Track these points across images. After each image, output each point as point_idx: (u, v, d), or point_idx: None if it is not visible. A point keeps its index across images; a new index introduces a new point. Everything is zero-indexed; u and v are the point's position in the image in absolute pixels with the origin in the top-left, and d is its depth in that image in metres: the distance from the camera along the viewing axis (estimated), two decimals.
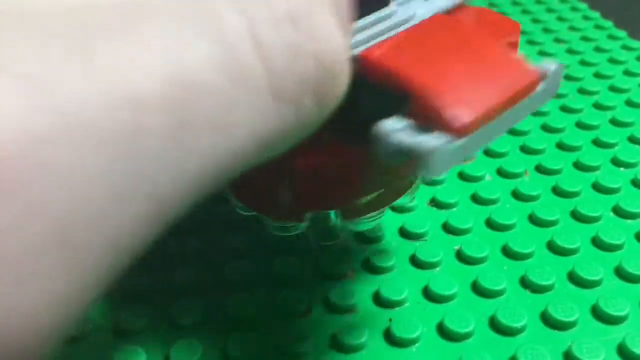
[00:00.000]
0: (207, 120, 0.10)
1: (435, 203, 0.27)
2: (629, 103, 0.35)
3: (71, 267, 0.08)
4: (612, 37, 0.43)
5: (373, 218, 0.21)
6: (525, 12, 0.47)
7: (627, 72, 0.38)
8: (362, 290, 0.23)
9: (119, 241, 0.09)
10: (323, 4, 0.12)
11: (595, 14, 0.47)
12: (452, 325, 0.21)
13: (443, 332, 0.21)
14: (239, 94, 0.10)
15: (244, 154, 0.11)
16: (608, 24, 0.45)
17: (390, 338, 0.21)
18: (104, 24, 0.09)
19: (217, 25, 0.10)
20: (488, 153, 0.31)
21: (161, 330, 0.21)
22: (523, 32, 0.44)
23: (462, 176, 0.29)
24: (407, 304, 0.23)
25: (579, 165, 0.30)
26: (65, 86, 0.08)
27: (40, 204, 0.08)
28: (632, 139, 0.32)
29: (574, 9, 0.48)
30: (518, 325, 0.21)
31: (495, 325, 0.21)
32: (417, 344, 0.21)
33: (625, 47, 0.42)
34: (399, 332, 0.21)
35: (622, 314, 0.22)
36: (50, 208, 0.08)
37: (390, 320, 0.22)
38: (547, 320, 0.22)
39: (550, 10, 0.48)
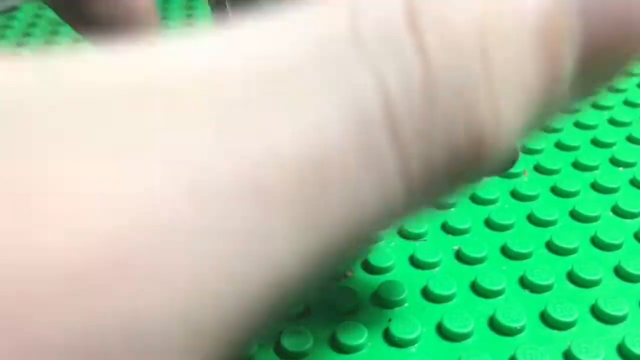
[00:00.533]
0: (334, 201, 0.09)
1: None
2: (627, 103, 0.35)
3: None
4: None
5: None
6: None
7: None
8: (362, 291, 0.23)
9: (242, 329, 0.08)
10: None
11: None
12: (451, 326, 0.21)
13: (442, 332, 0.21)
14: (368, 175, 0.09)
15: (366, 233, 0.09)
16: None
17: (389, 338, 0.21)
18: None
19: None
20: None
21: None
22: None
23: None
24: (406, 304, 0.23)
25: (577, 165, 0.30)
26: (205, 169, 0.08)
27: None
28: (630, 139, 0.32)
29: None
30: (517, 325, 0.21)
31: (495, 326, 0.21)
32: (416, 345, 0.21)
33: None
34: (398, 332, 0.21)
35: (621, 313, 0.22)
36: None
37: (390, 320, 0.22)
38: (547, 321, 0.22)
39: None
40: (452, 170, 0.09)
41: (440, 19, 0.08)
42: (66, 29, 0.47)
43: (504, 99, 0.09)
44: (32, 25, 0.48)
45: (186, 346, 0.08)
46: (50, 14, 0.50)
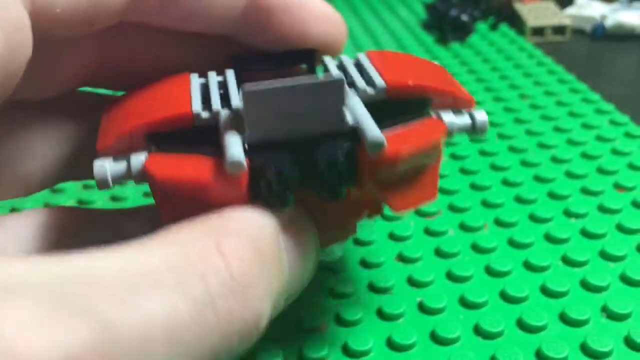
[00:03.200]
0: None
1: (400, 258, 0.30)
2: (584, 155, 0.38)
3: None
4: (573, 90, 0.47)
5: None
6: (485, 61, 0.51)
7: (584, 125, 0.42)
8: (334, 343, 0.26)
9: None
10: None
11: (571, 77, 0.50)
12: None
13: None
14: None
15: None
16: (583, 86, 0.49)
17: None
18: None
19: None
20: (452, 209, 0.34)
21: None
22: (483, 81, 0.48)
23: (428, 232, 0.32)
24: (372, 354, 0.25)
25: (533, 218, 0.33)
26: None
27: None
28: (584, 191, 0.35)
29: (550, 72, 0.52)
30: None
31: None
32: None
33: (585, 100, 0.45)
34: None
35: (562, 355, 0.24)
36: None
37: None
38: None
39: (517, 66, 0.52)
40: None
41: None
42: None
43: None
44: None
45: None
46: None
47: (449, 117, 0.24)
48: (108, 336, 0.12)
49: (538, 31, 0.58)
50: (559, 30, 0.58)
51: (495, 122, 0.42)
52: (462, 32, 0.57)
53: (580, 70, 0.50)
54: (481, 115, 0.25)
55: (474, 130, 0.25)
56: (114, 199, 0.36)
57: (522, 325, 0.26)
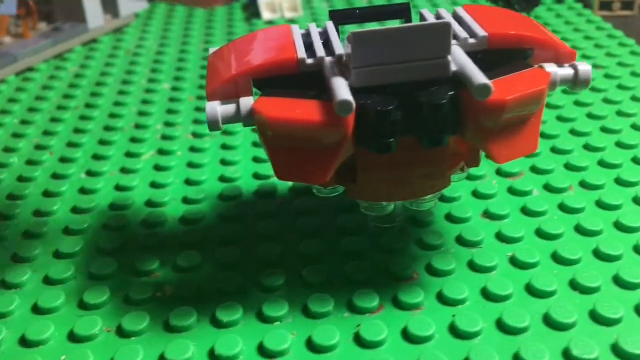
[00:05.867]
0: None
1: (487, 215, 0.30)
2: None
3: None
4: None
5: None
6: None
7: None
8: (427, 290, 0.26)
9: None
10: None
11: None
12: (510, 321, 0.24)
13: (502, 327, 0.24)
14: None
15: None
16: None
17: (454, 330, 0.24)
18: None
19: None
20: (535, 170, 0.34)
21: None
22: None
23: (512, 191, 0.32)
24: (467, 303, 0.25)
25: (619, 181, 0.32)
26: None
27: None
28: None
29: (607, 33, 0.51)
30: (569, 320, 0.24)
31: (548, 321, 0.24)
32: (479, 337, 0.24)
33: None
34: (462, 326, 0.24)
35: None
36: None
37: (454, 316, 0.24)
38: (595, 317, 0.24)
39: (587, 37, 0.51)
40: None
41: None
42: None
43: None
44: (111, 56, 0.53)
45: None
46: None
47: (552, 68, 0.24)
48: None
49: (606, 5, 0.57)
50: (627, 4, 0.56)
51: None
52: (528, 2, 0.56)
53: None
54: (584, 67, 0.24)
55: (576, 82, 0.25)
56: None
57: (617, 281, 0.26)
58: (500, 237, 0.29)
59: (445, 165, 0.25)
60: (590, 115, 0.39)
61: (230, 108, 0.23)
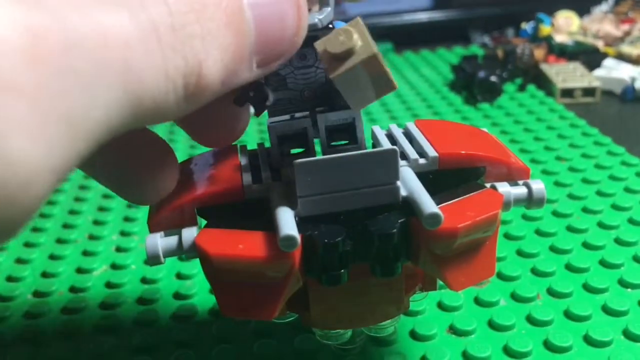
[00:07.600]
0: None
1: (453, 330, 0.29)
2: (631, 222, 0.37)
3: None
4: (611, 153, 0.46)
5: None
6: (527, 130, 0.51)
7: (627, 190, 0.41)
8: None
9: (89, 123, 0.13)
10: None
11: (595, 130, 0.50)
12: None
13: None
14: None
15: None
16: (607, 140, 0.48)
17: None
18: None
19: None
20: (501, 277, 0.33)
21: None
22: (527, 152, 0.47)
23: (478, 302, 0.31)
24: None
25: (587, 288, 0.31)
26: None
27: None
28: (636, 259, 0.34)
29: (572, 125, 0.51)
30: None
31: None
32: None
33: (625, 164, 0.44)
34: None
35: None
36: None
37: None
38: None
39: (550, 128, 0.51)
40: None
41: None
42: None
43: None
44: None
45: None
46: None
47: (505, 188, 0.23)
48: (69, 35, 0.13)
49: (567, 93, 0.57)
50: (589, 92, 0.57)
51: None
52: (491, 93, 0.57)
53: (614, 132, 0.49)
54: (538, 185, 0.24)
55: (530, 201, 0.24)
56: None
57: None
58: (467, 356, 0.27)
59: (401, 290, 0.24)
60: (555, 214, 0.39)
61: (172, 241, 0.22)
